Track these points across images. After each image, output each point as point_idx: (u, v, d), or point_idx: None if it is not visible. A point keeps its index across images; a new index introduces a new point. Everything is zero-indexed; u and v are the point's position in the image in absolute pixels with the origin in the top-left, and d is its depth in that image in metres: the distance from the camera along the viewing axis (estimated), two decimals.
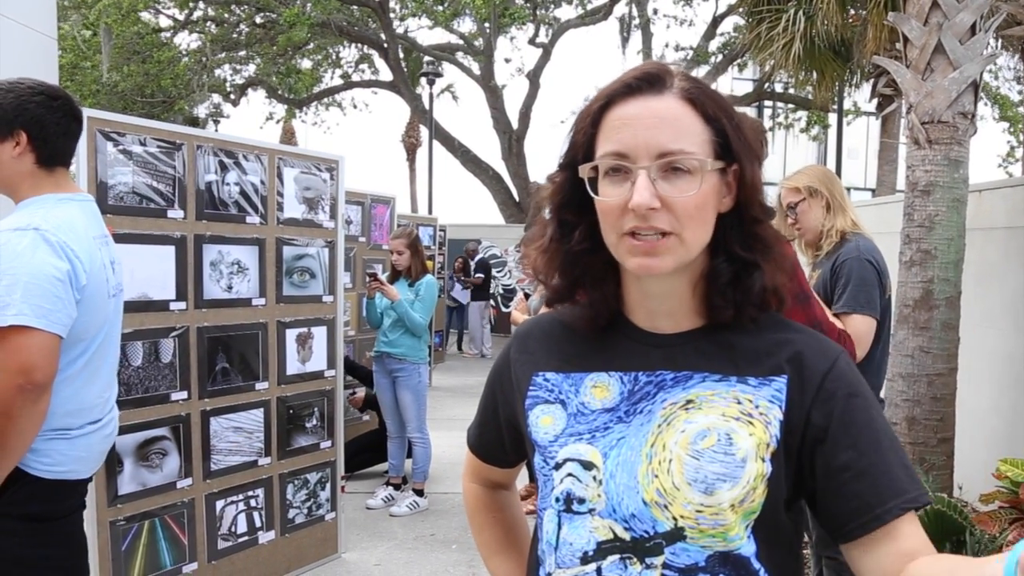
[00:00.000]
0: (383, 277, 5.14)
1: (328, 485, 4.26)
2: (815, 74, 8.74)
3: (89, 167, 3.07)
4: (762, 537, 0.96)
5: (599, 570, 0.96)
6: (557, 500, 1.01)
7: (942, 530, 3.11)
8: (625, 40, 16.72)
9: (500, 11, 15.30)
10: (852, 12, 7.42)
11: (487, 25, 15.97)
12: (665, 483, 0.93)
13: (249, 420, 3.78)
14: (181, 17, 15.96)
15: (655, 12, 16.84)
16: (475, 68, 17.08)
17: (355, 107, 20.41)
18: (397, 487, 5.41)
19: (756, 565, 0.95)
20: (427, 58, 16.99)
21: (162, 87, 15.53)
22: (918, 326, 3.94)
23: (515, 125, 17.04)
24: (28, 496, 2.04)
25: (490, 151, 18.02)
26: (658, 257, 0.93)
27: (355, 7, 15.52)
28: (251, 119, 56.03)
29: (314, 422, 4.16)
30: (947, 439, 3.97)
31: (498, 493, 1.31)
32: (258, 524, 3.85)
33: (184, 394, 3.45)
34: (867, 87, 10.95)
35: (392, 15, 15.94)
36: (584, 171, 0.98)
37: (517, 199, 17.28)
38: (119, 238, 3.13)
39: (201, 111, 18.42)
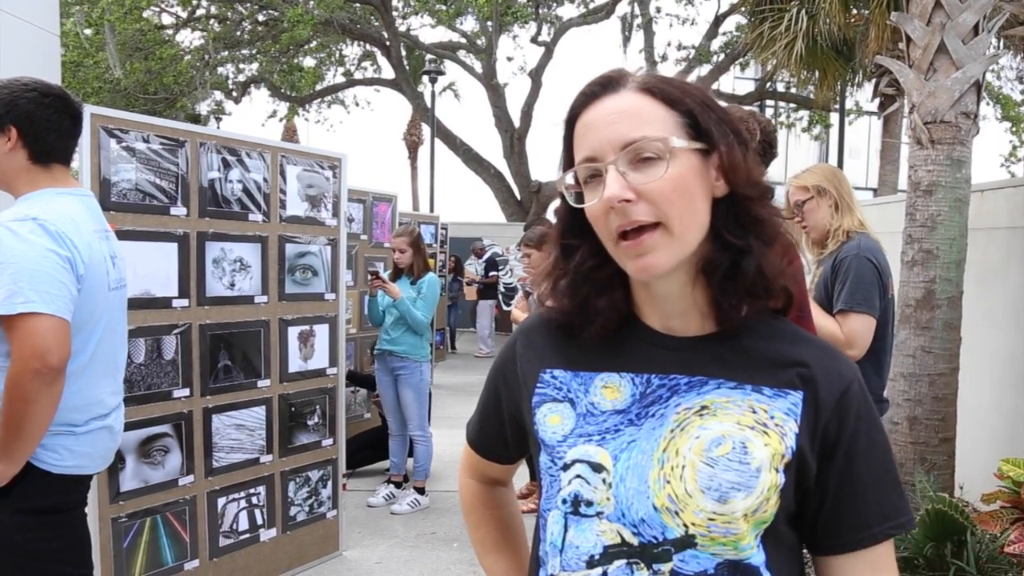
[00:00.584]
0: (385, 275, 5.14)
1: (329, 483, 4.26)
2: (817, 73, 8.73)
3: (92, 164, 3.08)
4: (771, 546, 0.95)
5: (605, 575, 0.95)
6: (564, 502, 0.99)
7: (943, 530, 3.11)
8: (627, 39, 16.69)
9: (502, 9, 15.30)
10: (854, 11, 7.41)
11: (489, 23, 15.96)
12: (677, 489, 0.92)
13: (251, 417, 3.78)
14: (184, 14, 15.96)
15: (657, 11, 16.78)
16: (477, 66, 17.07)
17: (357, 105, 20.38)
18: (398, 485, 5.41)
19: (766, 574, 0.94)
20: (429, 56, 17.00)
21: (164, 84, 15.53)
22: (920, 326, 3.93)
23: (517, 123, 17.03)
24: (37, 491, 2.06)
25: (492, 149, 18.08)
26: (651, 254, 0.92)
27: (357, 5, 15.52)
28: (253, 117, 56.11)
29: (316, 420, 4.17)
30: (948, 439, 3.96)
31: (495, 490, 1.30)
32: (260, 521, 3.85)
33: (186, 391, 3.46)
34: (869, 87, 10.96)
35: (395, 13, 15.94)
36: (561, 185, 0.98)
37: (519, 197, 17.28)
38: (122, 235, 3.13)
39: (203, 108, 18.41)
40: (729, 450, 0.92)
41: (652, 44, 16.57)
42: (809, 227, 2.96)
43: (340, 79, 18.91)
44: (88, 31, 14.87)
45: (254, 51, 16.81)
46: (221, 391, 3.62)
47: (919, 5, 4.00)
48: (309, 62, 18.26)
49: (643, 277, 0.95)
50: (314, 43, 16.86)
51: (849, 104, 14.69)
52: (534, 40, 17.26)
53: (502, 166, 17.55)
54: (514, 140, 16.93)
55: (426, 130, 19.93)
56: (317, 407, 4.17)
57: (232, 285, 3.66)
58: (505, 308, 14.78)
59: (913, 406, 3.94)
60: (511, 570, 1.23)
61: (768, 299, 0.98)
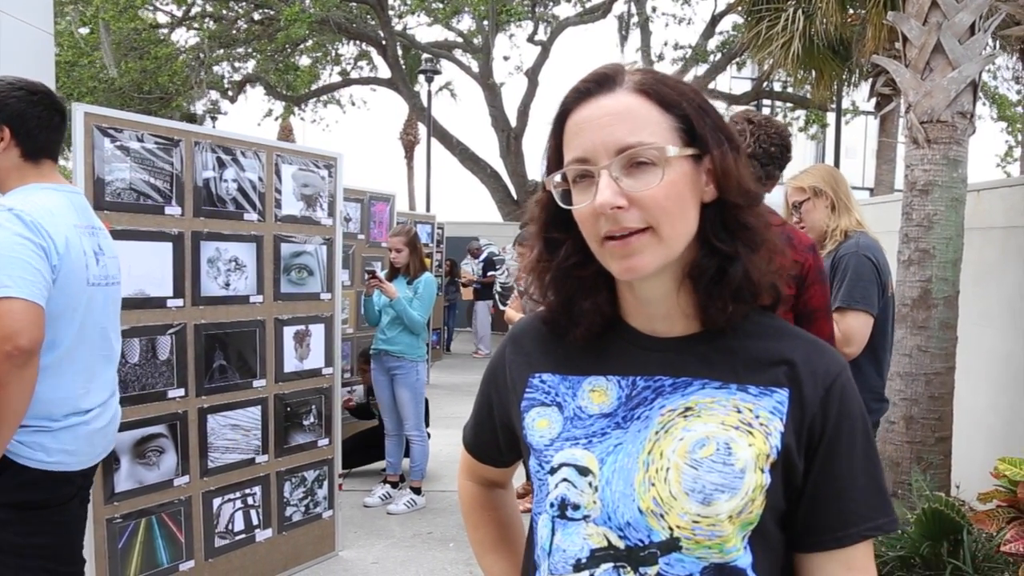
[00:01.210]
0: (382, 275, 5.13)
1: (325, 483, 4.25)
2: (814, 73, 8.73)
3: (86, 163, 3.06)
4: (759, 547, 0.94)
5: None
6: (552, 505, 0.99)
7: (939, 529, 3.10)
8: (624, 38, 16.69)
9: (499, 8, 15.28)
10: (851, 11, 7.41)
11: (486, 23, 15.95)
12: (662, 492, 0.92)
13: (246, 418, 3.77)
14: (179, 13, 15.92)
15: (654, 10, 16.87)
16: (474, 66, 17.06)
17: (353, 104, 20.34)
18: (395, 485, 5.41)
19: None
20: (425, 55, 16.98)
21: (160, 84, 15.49)
22: (916, 325, 3.94)
23: (513, 123, 17.02)
24: (17, 485, 2.06)
25: (488, 149, 18.03)
26: (635, 256, 0.90)
27: (353, 4, 15.49)
28: (249, 116, 56.00)
29: (312, 420, 4.16)
30: (945, 438, 3.97)
31: (494, 491, 1.30)
32: (255, 522, 3.84)
33: (181, 391, 3.44)
34: (866, 86, 10.96)
35: (391, 12, 15.92)
36: (550, 184, 0.97)
37: (515, 197, 17.26)
38: (116, 234, 3.12)
39: (199, 108, 18.38)
40: (713, 451, 0.91)
41: (649, 43, 16.56)
42: (807, 227, 2.96)
43: (336, 78, 18.89)
44: (83, 30, 14.83)
45: (250, 50, 16.77)
46: (216, 391, 3.61)
47: (915, 5, 4.00)
48: (305, 61, 18.23)
49: (627, 277, 0.94)
50: (310, 42, 16.83)
51: (846, 104, 14.71)
52: (531, 39, 17.25)
53: (499, 166, 17.54)
54: (510, 139, 16.92)
55: (422, 129, 19.93)
56: (313, 407, 4.16)
57: (227, 285, 3.65)
58: (501, 308, 14.78)
59: (909, 405, 3.94)
60: (509, 570, 1.23)
61: (754, 302, 0.98)
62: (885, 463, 3.87)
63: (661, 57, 16.97)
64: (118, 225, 3.16)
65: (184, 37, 16.96)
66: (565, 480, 0.98)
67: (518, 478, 5.11)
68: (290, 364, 4.01)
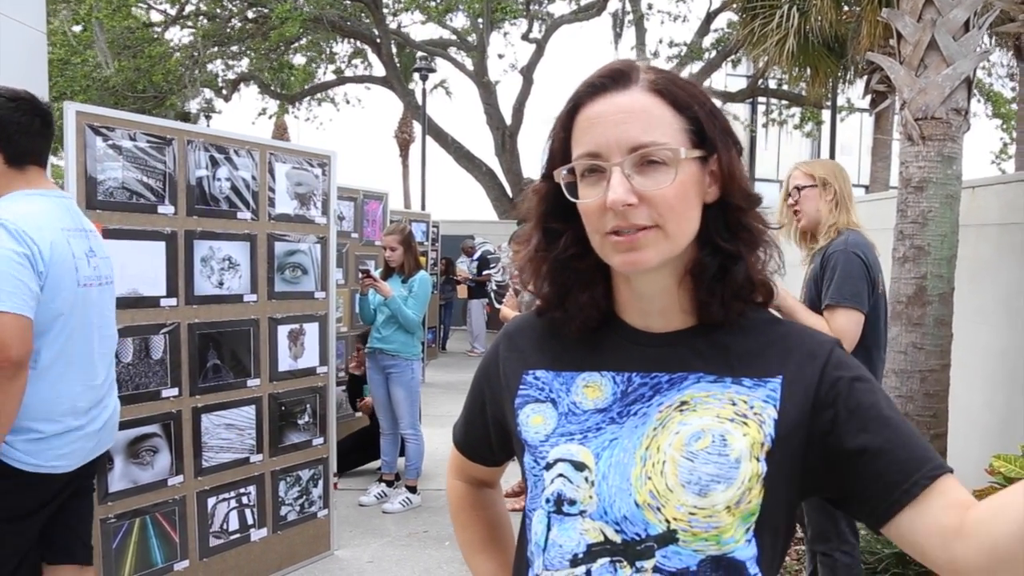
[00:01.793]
0: (376, 273, 5.12)
1: (320, 482, 4.24)
2: (809, 70, 8.74)
3: (78, 162, 3.04)
4: (766, 540, 0.94)
5: (588, 573, 0.94)
6: (547, 501, 0.99)
7: None
8: (618, 36, 16.67)
9: (493, 6, 15.26)
10: (846, 8, 7.42)
11: (480, 20, 15.93)
12: (659, 485, 0.92)
13: (241, 417, 3.75)
14: (172, 12, 15.87)
15: (649, 8, 16.75)
16: (468, 64, 17.04)
17: (348, 103, 20.31)
18: (390, 484, 5.40)
19: (754, 569, 0.93)
20: (420, 53, 16.94)
21: (153, 82, 15.44)
22: (911, 322, 3.93)
23: (508, 121, 17.00)
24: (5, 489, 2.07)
25: (483, 147, 17.97)
26: (641, 251, 0.91)
27: (348, 1, 15.46)
28: (243, 115, 55.86)
29: (306, 419, 4.15)
30: (940, 435, 3.97)
31: (482, 491, 1.29)
32: (250, 521, 3.83)
33: (175, 391, 3.43)
34: (861, 83, 10.97)
35: (385, 10, 15.89)
36: (559, 176, 0.97)
37: (510, 195, 17.23)
38: (109, 234, 3.11)
39: (193, 106, 18.34)
40: (708, 443, 0.92)
41: (644, 41, 16.57)
42: (801, 213, 2.97)
43: (330, 76, 18.85)
44: (76, 28, 14.77)
45: (244, 48, 16.73)
46: (210, 391, 3.60)
47: (910, 2, 3.99)
48: (299, 59, 18.20)
49: (628, 271, 0.95)
50: (304, 40, 16.79)
51: (841, 101, 14.72)
52: (525, 37, 17.23)
53: (494, 164, 17.53)
54: (505, 138, 16.90)
55: (417, 128, 19.88)
56: (307, 406, 4.15)
57: (221, 284, 3.64)
58: (496, 306, 14.78)
59: (905, 402, 3.94)
60: (498, 570, 1.22)
61: (752, 300, 1.00)
62: None
63: (656, 55, 16.98)
64: (111, 224, 3.14)
65: (178, 36, 16.94)
66: (561, 476, 0.98)
67: (514, 477, 5.11)
68: (284, 363, 4.00)
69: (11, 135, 2.14)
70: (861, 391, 0.93)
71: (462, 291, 13.74)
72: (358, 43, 17.69)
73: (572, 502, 0.96)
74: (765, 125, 18.94)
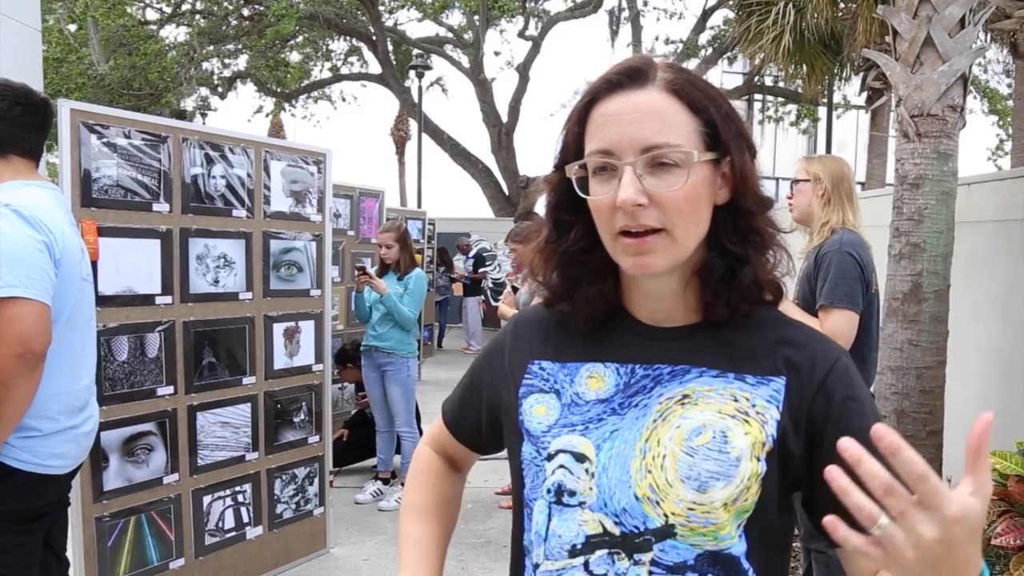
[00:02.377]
0: (372, 271, 5.11)
1: (316, 480, 4.24)
2: (805, 67, 8.74)
3: (72, 160, 3.03)
4: (754, 536, 0.94)
5: (587, 564, 0.95)
6: (548, 491, 0.99)
7: None
8: (614, 33, 16.68)
9: (489, 4, 15.25)
10: (842, 5, 7.42)
11: (476, 18, 15.92)
12: (658, 479, 0.92)
13: (236, 415, 3.75)
14: (168, 9, 15.84)
15: (645, 5, 16.78)
16: (464, 61, 17.03)
17: (344, 100, 20.31)
18: (386, 481, 5.39)
19: (746, 565, 0.93)
20: (416, 51, 16.93)
21: (149, 80, 15.41)
22: (907, 319, 3.93)
23: (504, 118, 17.00)
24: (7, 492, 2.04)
25: (479, 144, 17.97)
26: (650, 255, 0.92)
27: None
28: (239, 112, 55.73)
29: (302, 417, 4.14)
30: (936, 432, 3.97)
31: (449, 469, 1.27)
32: (245, 519, 3.82)
33: (170, 389, 3.42)
34: (857, 81, 10.97)
35: (381, 7, 15.86)
36: (571, 171, 0.97)
37: (507, 192, 17.24)
38: (104, 232, 3.10)
39: (189, 104, 18.30)
40: (709, 439, 0.92)
41: (640, 38, 16.57)
42: (795, 206, 3.04)
43: (327, 74, 18.84)
44: (71, 27, 14.73)
45: (239, 46, 16.70)
46: (206, 388, 3.59)
47: None
48: (295, 57, 18.17)
49: (637, 274, 0.96)
50: (300, 38, 16.77)
51: (837, 98, 14.73)
52: (521, 34, 17.23)
53: (490, 161, 17.52)
54: (502, 135, 16.90)
55: (413, 125, 19.87)
56: (303, 404, 4.15)
57: (216, 282, 3.63)
58: (493, 304, 14.79)
59: (900, 399, 3.94)
60: (427, 538, 1.19)
61: (759, 300, 1.00)
62: None
63: (652, 52, 16.97)
64: (105, 222, 3.13)
65: (173, 33, 16.89)
66: (562, 467, 0.98)
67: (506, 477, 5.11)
68: (280, 361, 3.99)
69: None
70: (851, 411, 0.94)
71: (458, 288, 13.74)
72: (354, 41, 17.67)
73: (572, 493, 0.97)
74: (761, 122, 18.97)
